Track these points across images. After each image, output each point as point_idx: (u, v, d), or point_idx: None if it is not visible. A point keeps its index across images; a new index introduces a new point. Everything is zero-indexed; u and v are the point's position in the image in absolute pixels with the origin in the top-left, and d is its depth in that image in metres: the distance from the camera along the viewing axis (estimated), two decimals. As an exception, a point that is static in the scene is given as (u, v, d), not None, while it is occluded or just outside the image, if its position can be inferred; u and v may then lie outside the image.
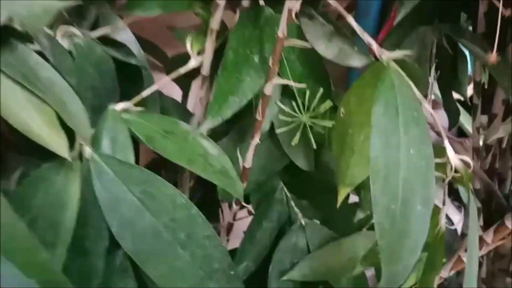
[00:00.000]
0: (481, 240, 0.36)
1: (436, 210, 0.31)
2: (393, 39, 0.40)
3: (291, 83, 0.34)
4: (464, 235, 0.53)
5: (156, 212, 0.29)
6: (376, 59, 0.32)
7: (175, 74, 0.33)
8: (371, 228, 0.44)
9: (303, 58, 0.39)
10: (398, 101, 0.26)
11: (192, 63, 0.33)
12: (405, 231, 0.24)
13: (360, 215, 0.43)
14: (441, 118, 0.58)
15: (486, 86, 0.46)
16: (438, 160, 0.29)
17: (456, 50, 0.44)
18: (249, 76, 0.33)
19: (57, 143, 0.26)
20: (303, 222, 0.44)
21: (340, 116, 0.35)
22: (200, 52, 0.33)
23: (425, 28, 0.40)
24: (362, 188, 0.42)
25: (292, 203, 0.45)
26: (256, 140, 0.37)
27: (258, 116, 0.36)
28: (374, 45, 0.29)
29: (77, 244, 0.28)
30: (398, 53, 0.29)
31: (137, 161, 0.41)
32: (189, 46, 0.32)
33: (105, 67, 0.33)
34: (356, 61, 0.34)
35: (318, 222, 0.44)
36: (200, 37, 0.33)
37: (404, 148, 0.25)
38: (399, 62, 0.29)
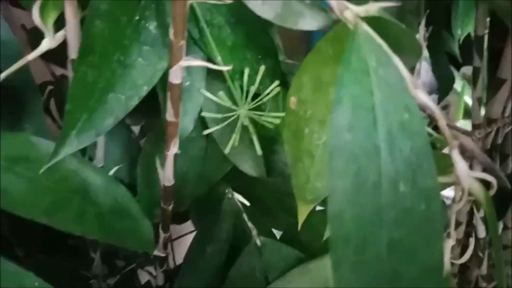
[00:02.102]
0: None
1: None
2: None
3: (209, 64, 0.22)
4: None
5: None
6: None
7: (21, 62, 0.21)
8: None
9: (236, 20, 0.27)
10: (375, 98, 0.15)
11: (46, 44, 0.20)
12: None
13: (332, 230, 0.33)
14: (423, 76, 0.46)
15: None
16: (441, 179, 0.18)
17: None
18: (142, 57, 0.21)
19: None
20: (258, 242, 0.33)
21: (291, 108, 0.23)
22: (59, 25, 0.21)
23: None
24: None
25: (245, 216, 0.34)
26: (174, 150, 0.25)
27: (170, 116, 0.24)
28: (331, -4, 0.17)
29: None
30: (371, 7, 0.17)
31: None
32: (37, 15, 0.20)
33: None
34: (309, 21, 0.22)
35: (277, 240, 0.34)
36: (57, 2, 0.21)
37: (388, 186, 0.14)
38: (374, 21, 0.17)
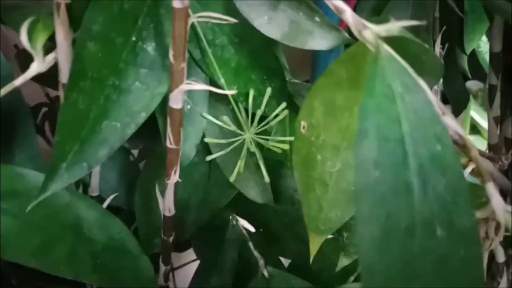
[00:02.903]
0: None
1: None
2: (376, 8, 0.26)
3: (212, 88, 0.20)
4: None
5: None
6: (353, 36, 0.19)
7: (9, 87, 0.19)
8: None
9: (240, 40, 0.25)
10: (403, 128, 0.13)
11: (35, 67, 0.19)
12: None
13: (344, 260, 0.31)
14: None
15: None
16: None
17: (462, 10, 0.31)
18: (139, 81, 0.19)
19: None
20: (265, 273, 0.31)
21: (301, 132, 0.22)
22: (49, 47, 0.19)
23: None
24: (344, 229, 0.29)
25: (250, 244, 0.32)
26: (174, 178, 0.24)
27: (170, 143, 0.22)
28: (348, 13, 0.15)
29: None
30: (393, 26, 0.15)
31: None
32: (25, 38, 0.18)
33: None
34: (319, 41, 0.21)
35: (286, 271, 0.32)
36: (47, 22, 0.19)
37: (423, 230, 0.12)
38: (394, 41, 0.16)
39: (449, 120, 0.15)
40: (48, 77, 0.27)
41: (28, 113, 0.29)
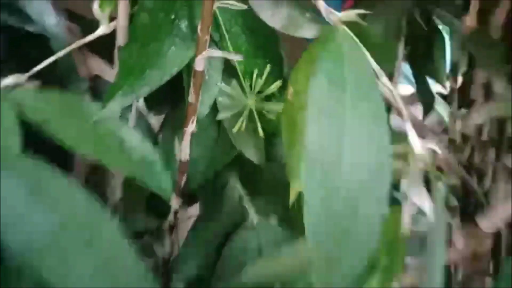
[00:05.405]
0: (452, 244, 0.31)
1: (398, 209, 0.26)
2: (362, 7, 0.34)
3: (225, 54, 0.28)
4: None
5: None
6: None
7: (74, 45, 0.27)
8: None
9: (250, 30, 0.33)
10: (345, 73, 0.20)
11: (101, 30, 0.26)
12: (348, 238, 0.18)
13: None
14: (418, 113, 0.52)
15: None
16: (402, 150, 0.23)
17: (431, 26, 0.39)
18: (175, 46, 0.27)
19: None
20: (254, 221, 0.38)
21: (289, 98, 0.29)
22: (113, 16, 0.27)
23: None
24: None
25: (246, 201, 0.40)
26: (192, 127, 0.31)
27: (191, 98, 0.30)
28: (321, 4, 0.23)
29: None
30: (350, 13, 0.23)
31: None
32: (96, 6, 0.26)
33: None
34: (307, 31, 0.29)
35: (272, 222, 0.39)
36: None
37: (350, 135, 0.20)
38: (357, 29, 0.23)
39: (384, 79, 0.22)
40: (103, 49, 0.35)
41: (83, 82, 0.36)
